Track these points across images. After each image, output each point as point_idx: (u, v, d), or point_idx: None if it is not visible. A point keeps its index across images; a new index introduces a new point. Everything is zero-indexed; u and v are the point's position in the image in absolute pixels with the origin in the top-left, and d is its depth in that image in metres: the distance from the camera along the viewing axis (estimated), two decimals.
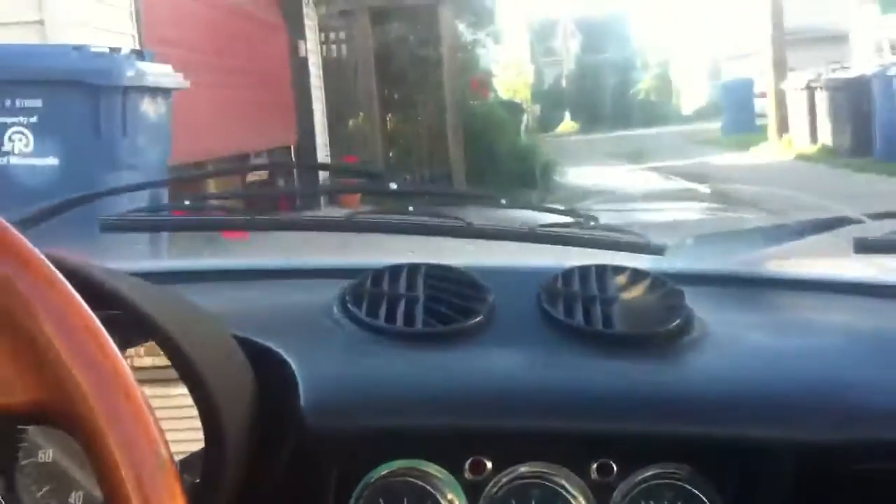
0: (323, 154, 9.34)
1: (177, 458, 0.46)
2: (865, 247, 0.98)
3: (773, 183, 11.00)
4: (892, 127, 11.30)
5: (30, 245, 0.43)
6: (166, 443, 0.42)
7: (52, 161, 4.00)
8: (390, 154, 10.35)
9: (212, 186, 7.62)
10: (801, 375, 0.79)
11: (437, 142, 10.03)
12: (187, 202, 0.97)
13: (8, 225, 0.42)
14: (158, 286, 0.72)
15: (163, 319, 0.63)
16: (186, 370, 0.64)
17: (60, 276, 0.42)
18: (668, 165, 13.67)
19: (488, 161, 10.28)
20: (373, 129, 9.58)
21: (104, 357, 0.42)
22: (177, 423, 0.69)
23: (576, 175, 12.73)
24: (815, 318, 0.93)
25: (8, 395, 0.41)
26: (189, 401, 0.65)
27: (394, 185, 0.99)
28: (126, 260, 1.09)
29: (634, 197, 10.17)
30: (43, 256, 0.43)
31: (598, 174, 13.16)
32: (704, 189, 10.71)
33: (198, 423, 0.65)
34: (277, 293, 0.97)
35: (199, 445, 0.67)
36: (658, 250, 1.04)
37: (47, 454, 0.72)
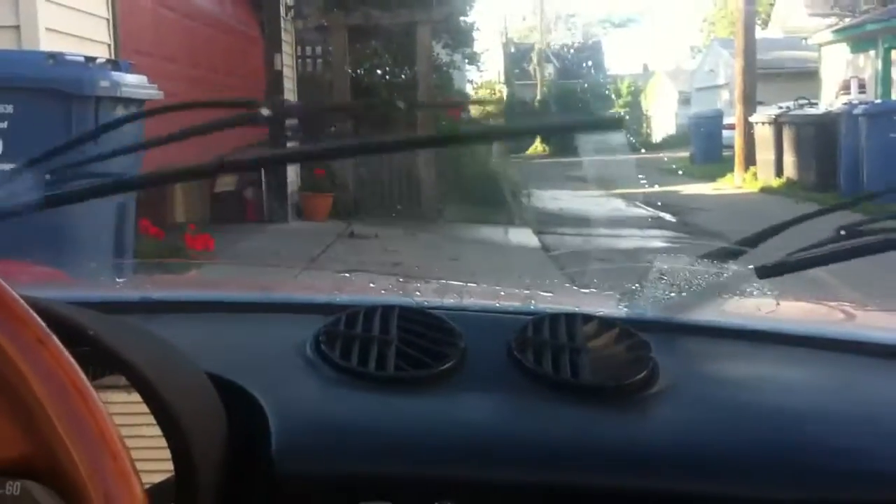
0: (292, 167, 9.31)
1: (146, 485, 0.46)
2: (767, 272, 1.02)
3: (737, 214, 11.15)
4: (856, 164, 11.52)
5: (23, 304, 0.43)
6: (145, 495, 0.43)
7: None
8: (360, 170, 10.36)
9: (179, 197, 7.60)
10: (763, 432, 0.81)
11: (408, 161, 10.05)
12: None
13: (8, 287, 0.43)
14: (129, 321, 0.72)
15: (135, 358, 0.64)
16: (160, 411, 0.64)
17: (52, 335, 0.43)
18: (634, 192, 13.81)
19: (458, 181, 10.33)
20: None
21: (92, 417, 0.42)
22: (146, 453, 0.70)
23: (544, 198, 12.81)
24: (779, 372, 0.95)
25: (3, 450, 0.42)
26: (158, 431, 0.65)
27: (265, 111, 0.99)
28: (98, 289, 1.09)
29: (601, 222, 10.28)
30: (35, 316, 0.43)
31: (565, 198, 13.26)
32: (670, 218, 10.84)
33: (166, 453, 0.65)
34: (250, 328, 0.97)
35: (166, 474, 0.67)
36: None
37: (15, 487, 0.72)
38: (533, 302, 1.06)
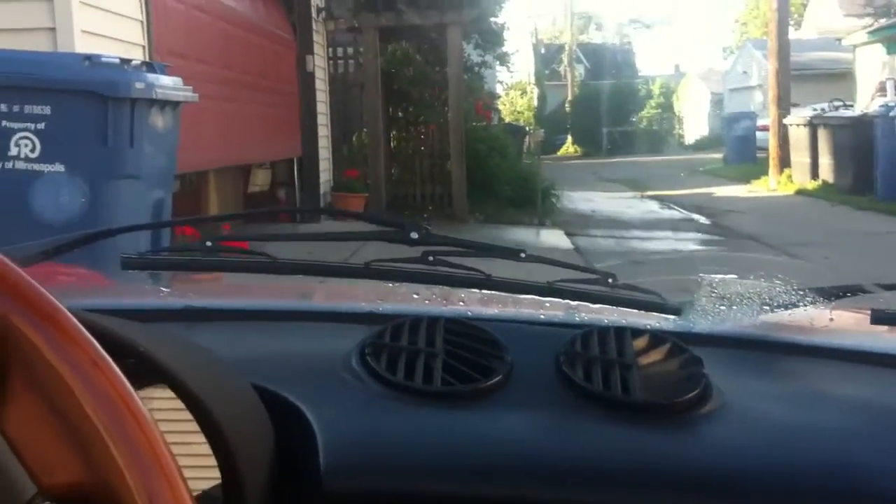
0: (325, 168, 9.34)
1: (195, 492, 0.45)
2: (882, 319, 0.98)
3: (772, 216, 11.03)
4: (892, 166, 11.34)
5: (77, 324, 0.42)
6: None
7: (58, 167, 4.02)
8: (392, 171, 10.37)
9: (213, 197, 7.64)
10: (816, 454, 0.79)
11: (439, 161, 10.04)
12: (208, 243, 0.97)
13: (64, 309, 0.42)
14: (173, 332, 0.72)
15: (183, 373, 0.63)
16: (208, 425, 0.63)
17: (106, 356, 0.42)
18: (668, 194, 13.71)
19: (489, 182, 10.30)
20: (376, 146, 9.58)
21: (148, 444, 0.41)
22: (192, 460, 0.69)
23: (575, 200, 12.76)
24: (830, 389, 0.93)
25: (50, 476, 0.41)
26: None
27: (415, 235, 0.99)
28: (138, 296, 1.08)
29: (634, 224, 10.21)
30: (90, 337, 0.42)
31: (597, 200, 13.20)
32: (704, 220, 10.75)
33: (211, 460, 0.64)
34: (294, 338, 0.96)
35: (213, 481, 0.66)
36: (675, 311, 1.04)
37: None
38: (579, 314, 1.04)
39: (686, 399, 0.83)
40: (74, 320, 0.42)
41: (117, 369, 0.43)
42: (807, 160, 13.82)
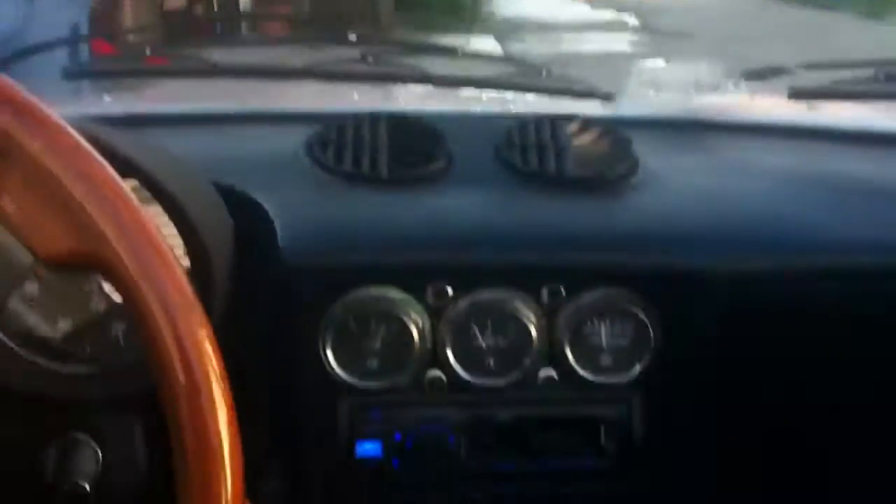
0: None
1: None
2: (799, 93, 1.05)
3: (707, 14, 11.00)
4: None
5: (55, 114, 0.46)
6: (190, 285, 0.47)
7: None
8: None
9: (129, 16, 7.33)
10: (737, 213, 0.87)
11: None
12: (148, 50, 0.98)
13: (34, 98, 0.46)
14: (134, 133, 0.75)
15: (149, 165, 0.67)
16: (177, 215, 0.68)
17: (83, 140, 0.46)
18: None
19: None
20: None
21: (131, 215, 0.46)
22: None
23: (504, 4, 12.50)
24: (750, 160, 1.01)
25: (51, 246, 0.46)
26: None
27: (353, 37, 1.01)
28: (84, 105, 1.10)
29: (567, 27, 10.09)
30: (68, 125, 0.46)
31: (528, 3, 12.95)
32: (634, 21, 10.65)
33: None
34: (242, 139, 0.99)
35: None
36: (607, 96, 1.09)
37: (34, 288, 0.76)
38: (516, 105, 1.09)
39: (615, 173, 0.90)
40: (49, 109, 0.46)
41: (94, 150, 0.47)
42: None
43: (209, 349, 0.47)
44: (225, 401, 0.47)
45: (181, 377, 0.46)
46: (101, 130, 0.64)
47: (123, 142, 0.65)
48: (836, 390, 0.94)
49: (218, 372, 0.47)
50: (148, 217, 0.47)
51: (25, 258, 0.47)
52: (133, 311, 0.47)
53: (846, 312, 0.86)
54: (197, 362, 0.46)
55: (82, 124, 0.49)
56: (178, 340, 0.46)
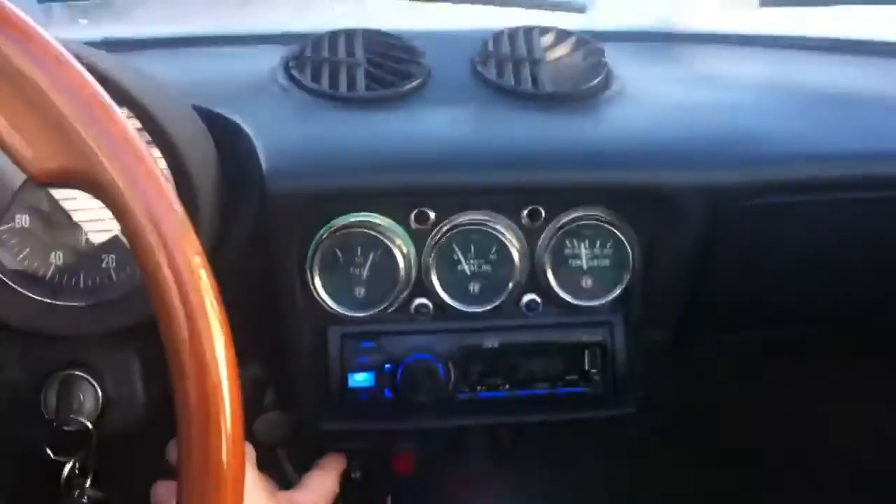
0: None
1: None
2: (769, 2, 1.06)
3: None
4: None
5: (41, 30, 0.46)
6: (178, 199, 0.48)
7: None
8: None
9: None
10: (709, 125, 0.88)
11: None
12: None
13: (20, 12, 0.46)
14: (115, 56, 0.75)
15: (134, 88, 0.68)
16: (161, 138, 0.69)
17: (68, 54, 0.47)
18: None
19: None
20: None
21: (116, 127, 0.47)
22: None
23: None
24: (726, 70, 1.01)
25: (41, 163, 0.46)
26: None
27: None
28: (60, 30, 1.09)
29: None
30: (52, 39, 0.47)
31: None
32: None
33: None
34: (216, 61, 0.99)
35: None
36: (580, 8, 1.09)
37: (24, 220, 0.77)
38: (490, 16, 1.09)
39: (589, 86, 0.91)
40: (35, 24, 0.46)
41: (80, 65, 0.47)
42: None
43: (204, 272, 0.47)
44: (222, 324, 0.47)
45: (176, 300, 0.46)
46: (83, 49, 0.64)
47: (106, 62, 0.66)
48: (814, 300, 0.97)
49: (213, 294, 0.47)
50: (138, 137, 0.48)
51: (17, 177, 0.47)
52: (125, 231, 0.47)
53: (824, 224, 0.88)
54: (192, 284, 0.46)
55: (66, 45, 0.49)
56: (172, 261, 0.46)
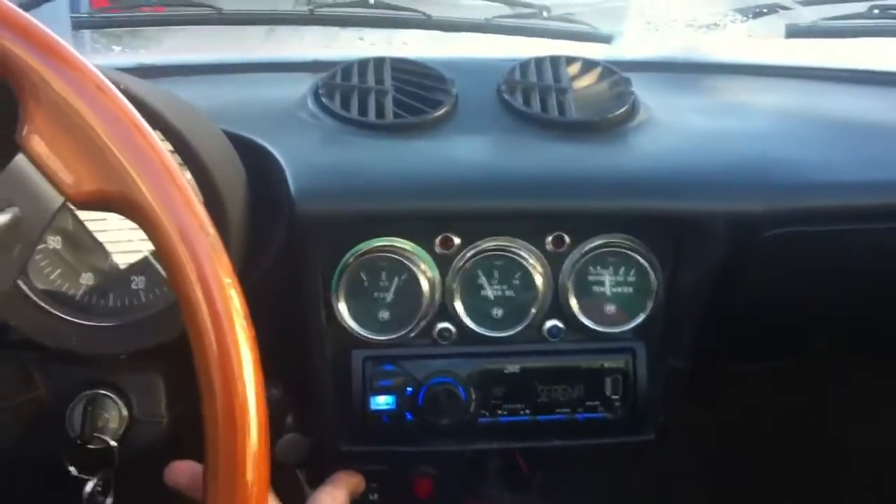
0: None
1: None
2: (796, 32, 1.06)
3: None
4: None
5: (80, 56, 0.48)
6: (211, 223, 0.49)
7: None
8: None
9: None
10: (734, 154, 0.88)
11: None
12: None
13: (60, 39, 0.47)
14: (148, 81, 0.76)
15: (167, 112, 0.69)
16: (193, 161, 0.70)
17: (108, 82, 0.48)
18: None
19: None
20: None
21: (154, 153, 0.48)
22: None
23: None
24: (751, 99, 1.01)
25: (79, 186, 0.48)
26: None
27: None
28: (94, 56, 1.11)
29: None
30: (92, 66, 0.48)
31: None
32: None
33: None
34: (247, 87, 1.01)
35: None
36: (606, 39, 1.10)
37: (56, 241, 0.78)
38: (517, 48, 1.10)
39: (616, 115, 0.91)
40: (75, 52, 0.48)
41: (119, 92, 0.48)
42: None
43: (234, 292, 0.48)
44: (251, 345, 0.48)
45: (207, 319, 0.48)
46: (120, 76, 0.66)
47: (141, 88, 0.67)
48: (834, 328, 0.96)
49: (243, 314, 0.48)
50: (174, 162, 0.49)
51: (52, 197, 0.48)
52: (159, 252, 0.48)
53: (849, 253, 0.87)
54: (223, 304, 0.48)
55: (103, 71, 0.51)
56: (204, 281, 0.48)
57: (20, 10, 0.47)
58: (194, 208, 0.48)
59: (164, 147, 0.49)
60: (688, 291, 0.87)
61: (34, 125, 0.47)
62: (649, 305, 0.88)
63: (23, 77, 0.47)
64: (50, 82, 0.47)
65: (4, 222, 0.47)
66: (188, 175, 0.71)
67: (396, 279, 0.85)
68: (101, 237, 0.78)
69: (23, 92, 0.47)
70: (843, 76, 1.06)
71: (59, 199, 0.48)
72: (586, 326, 0.88)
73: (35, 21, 0.48)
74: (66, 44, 0.48)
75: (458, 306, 0.87)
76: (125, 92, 0.50)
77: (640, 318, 0.88)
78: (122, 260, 0.78)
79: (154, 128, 0.51)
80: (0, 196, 0.48)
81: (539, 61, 0.99)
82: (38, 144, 0.47)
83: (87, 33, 1.08)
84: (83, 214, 0.78)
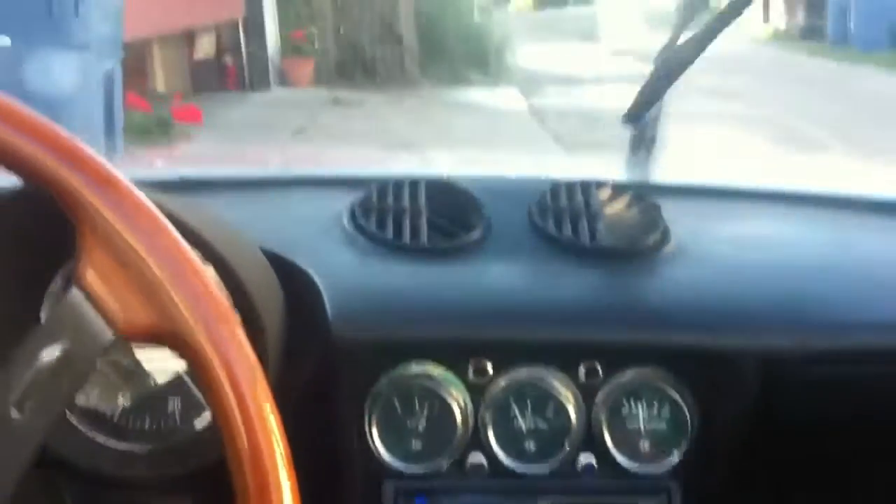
0: (272, 30, 9.13)
1: None
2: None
3: (726, 65, 11.04)
4: (843, 10, 11.35)
5: (138, 193, 0.49)
6: (258, 360, 0.50)
7: (4, 41, 3.93)
8: (340, 30, 10.14)
9: (158, 66, 7.48)
10: (767, 288, 0.88)
11: (389, 20, 9.85)
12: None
13: (119, 173, 0.49)
14: (190, 199, 0.78)
15: (210, 236, 0.70)
16: (233, 284, 0.71)
17: (167, 222, 0.49)
18: (622, 47, 13.58)
19: (441, 41, 10.14)
20: (322, 3, 9.36)
21: (207, 292, 0.49)
22: None
23: (530, 56, 12.61)
24: (783, 230, 1.02)
25: (131, 322, 0.49)
26: None
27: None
28: (134, 169, 1.14)
29: (589, 80, 10.15)
30: (152, 205, 0.49)
31: (553, 55, 13.05)
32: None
33: None
34: (284, 203, 1.03)
35: None
36: None
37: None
38: (548, 171, 1.12)
39: (647, 243, 0.92)
40: (133, 187, 0.49)
41: (176, 231, 0.50)
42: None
43: (273, 417, 0.49)
44: (289, 472, 0.48)
45: (245, 444, 0.48)
46: (164, 199, 0.67)
47: (186, 212, 0.68)
48: (871, 468, 0.94)
49: (281, 440, 0.49)
50: (223, 297, 0.50)
51: (104, 332, 0.49)
52: (202, 384, 0.49)
53: (879, 393, 0.86)
54: (262, 430, 0.48)
55: (146, 191, 0.52)
56: (244, 407, 0.48)
57: (77, 140, 0.49)
58: (239, 339, 0.49)
59: (210, 272, 0.50)
60: (724, 428, 0.86)
61: (91, 260, 0.48)
62: (684, 443, 0.86)
63: (79, 209, 0.48)
64: (106, 217, 0.48)
65: (54, 357, 0.48)
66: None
67: (429, 406, 0.85)
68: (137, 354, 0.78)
69: (80, 224, 0.48)
70: (878, 207, 1.06)
71: (109, 332, 0.48)
72: (620, 465, 0.86)
73: (89, 149, 0.49)
74: (121, 176, 0.49)
75: (491, 437, 0.86)
76: (176, 222, 0.51)
77: (675, 456, 0.86)
78: (157, 379, 0.78)
79: (194, 246, 0.52)
80: (51, 329, 0.48)
81: (570, 185, 1.00)
82: (93, 279, 0.48)
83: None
84: None
